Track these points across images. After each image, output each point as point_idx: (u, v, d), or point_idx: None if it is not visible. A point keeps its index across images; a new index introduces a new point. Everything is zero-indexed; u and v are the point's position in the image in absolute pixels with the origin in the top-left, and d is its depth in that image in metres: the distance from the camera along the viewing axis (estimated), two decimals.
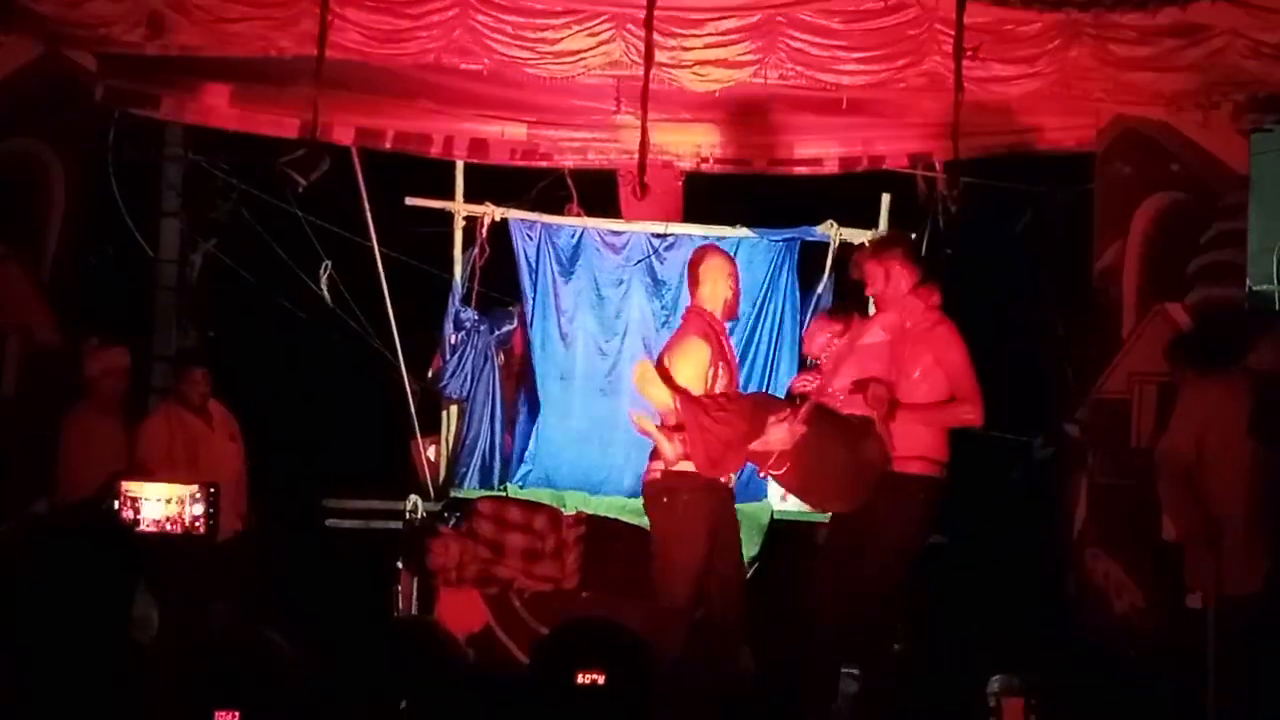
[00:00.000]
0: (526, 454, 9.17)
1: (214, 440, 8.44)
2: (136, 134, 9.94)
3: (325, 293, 9.59)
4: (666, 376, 6.91)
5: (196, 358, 8.91)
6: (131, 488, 7.42)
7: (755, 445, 6.91)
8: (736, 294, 7.25)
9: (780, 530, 8.53)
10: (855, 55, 7.40)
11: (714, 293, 7.12)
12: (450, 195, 9.25)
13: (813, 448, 7.03)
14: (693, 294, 7.22)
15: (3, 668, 2.66)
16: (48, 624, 2.66)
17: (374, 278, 9.13)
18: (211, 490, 7.50)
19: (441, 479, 9.07)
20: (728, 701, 4.10)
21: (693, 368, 6.94)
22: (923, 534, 7.12)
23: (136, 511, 7.31)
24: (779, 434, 6.95)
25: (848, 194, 9.21)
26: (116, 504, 7.26)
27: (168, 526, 7.33)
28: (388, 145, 8.80)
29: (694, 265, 7.25)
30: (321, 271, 9.60)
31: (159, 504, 7.35)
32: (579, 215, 9.32)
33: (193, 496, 7.42)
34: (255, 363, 10.17)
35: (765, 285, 9.27)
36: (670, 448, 6.90)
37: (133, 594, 2.78)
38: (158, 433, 8.28)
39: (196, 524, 7.39)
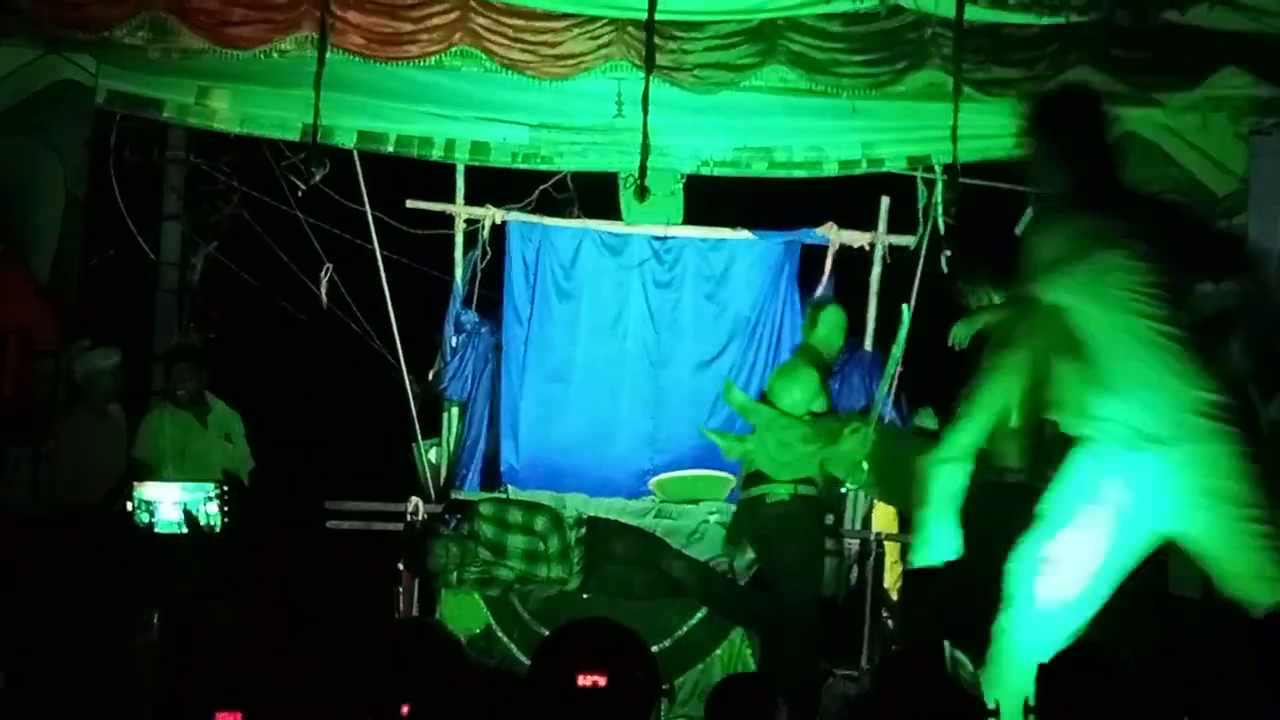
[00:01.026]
0: (525, 456, 9.18)
1: (204, 437, 8.44)
2: (138, 136, 9.97)
3: (324, 296, 9.61)
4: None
5: (182, 354, 8.91)
6: (146, 489, 7.42)
7: (828, 454, 7.61)
8: (841, 349, 8.09)
9: None
10: (855, 58, 7.41)
11: (827, 338, 7.90)
12: (451, 198, 9.26)
13: (888, 462, 7.59)
14: (806, 334, 8.03)
15: (6, 667, 2.67)
16: (50, 624, 2.68)
17: (375, 280, 9.15)
18: (225, 489, 7.51)
19: (442, 481, 9.09)
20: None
21: (801, 392, 7.76)
22: (999, 536, 7.16)
23: (151, 514, 7.32)
24: (853, 444, 7.60)
25: (847, 196, 9.22)
26: (129, 506, 7.27)
27: (181, 528, 7.33)
28: (389, 148, 8.82)
29: (816, 308, 8.11)
30: (322, 275, 9.62)
31: (174, 505, 7.36)
32: (580, 218, 9.34)
33: (207, 496, 7.43)
34: (256, 365, 10.19)
35: (765, 287, 9.28)
36: (731, 446, 7.97)
37: (137, 595, 2.80)
38: (151, 430, 8.31)
39: (211, 523, 7.40)
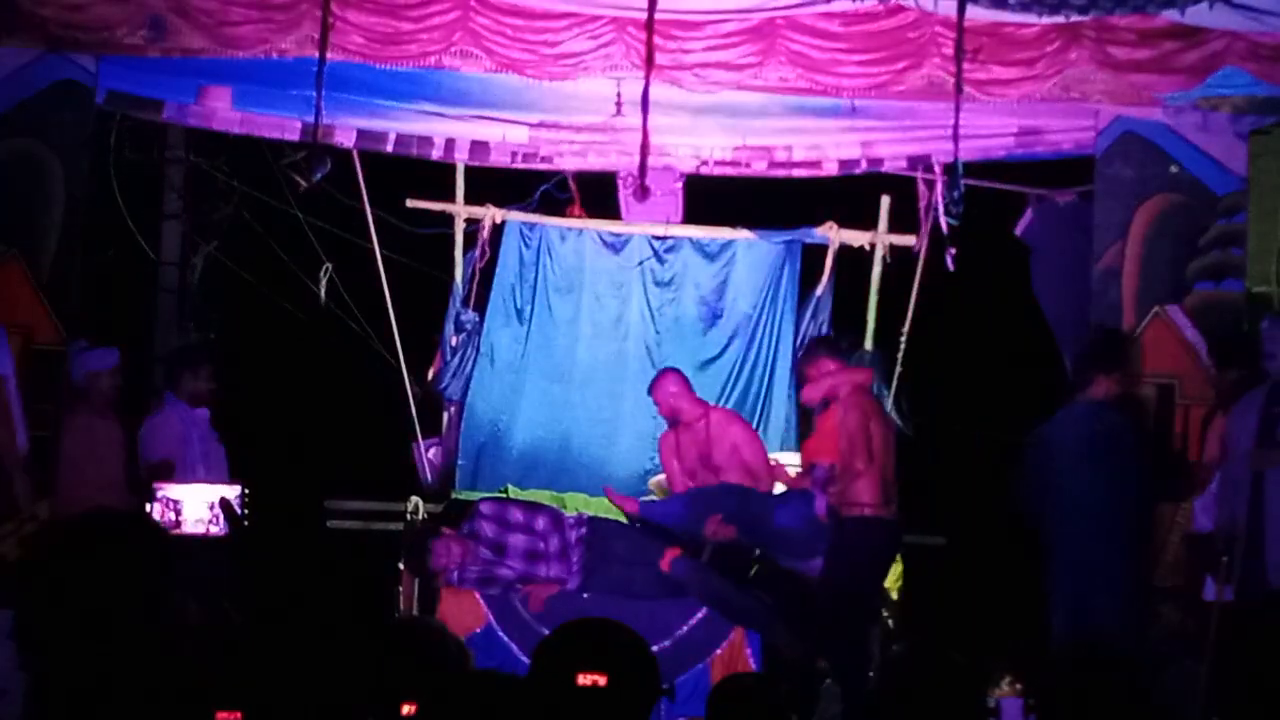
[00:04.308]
0: (524, 456, 9.18)
1: (212, 439, 8.45)
2: (138, 136, 9.96)
3: (323, 294, 9.61)
4: None
5: (202, 354, 8.92)
6: (170, 489, 7.41)
7: None
8: None
9: None
10: (855, 58, 7.42)
11: None
12: (451, 197, 9.26)
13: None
14: None
15: (32, 667, 2.67)
16: (74, 624, 2.67)
17: (375, 280, 9.14)
18: (246, 491, 7.53)
19: (442, 480, 9.08)
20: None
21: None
22: (864, 565, 7.79)
23: (178, 514, 7.31)
24: None
25: (848, 196, 9.22)
26: (149, 506, 7.27)
27: (209, 529, 7.34)
28: (389, 148, 8.81)
29: None
30: (321, 274, 9.61)
31: (201, 505, 7.36)
32: (580, 217, 9.33)
33: (236, 497, 7.44)
34: (256, 364, 10.19)
35: (765, 287, 9.27)
36: None
37: (168, 595, 2.79)
38: (173, 429, 8.29)
39: (234, 524, 7.40)
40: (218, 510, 7.33)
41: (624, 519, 8.39)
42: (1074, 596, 7.34)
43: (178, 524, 7.27)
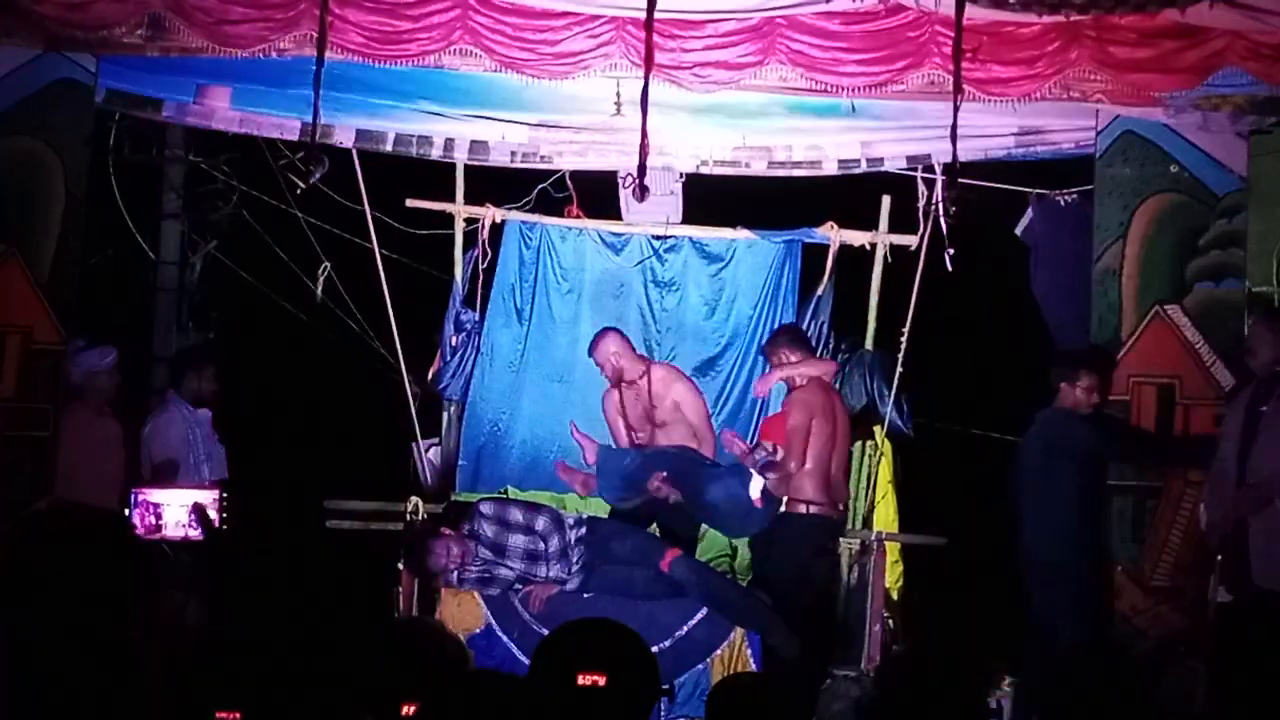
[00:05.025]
0: (525, 456, 9.17)
1: (212, 438, 8.46)
2: (137, 135, 9.97)
3: (319, 292, 9.60)
4: None
5: (207, 355, 8.93)
6: (150, 493, 7.40)
7: None
8: None
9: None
10: (855, 57, 7.42)
11: None
12: (450, 197, 9.26)
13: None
14: None
15: (7, 667, 2.66)
16: (49, 623, 2.67)
17: (374, 279, 9.14)
18: (224, 496, 7.52)
19: (442, 480, 9.07)
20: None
21: None
22: (801, 561, 8.01)
23: (158, 519, 7.31)
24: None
25: (849, 196, 9.21)
26: (128, 511, 7.25)
27: (188, 533, 7.32)
28: (388, 147, 8.81)
29: None
30: (320, 273, 9.61)
31: (181, 509, 7.35)
32: (579, 217, 9.32)
33: (213, 501, 7.43)
34: (256, 364, 10.19)
35: (766, 288, 9.26)
36: None
37: (136, 594, 2.78)
38: (177, 430, 8.29)
39: (208, 530, 7.39)
40: (193, 516, 7.32)
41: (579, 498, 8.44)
42: (1034, 595, 7.61)
43: (158, 529, 7.27)
